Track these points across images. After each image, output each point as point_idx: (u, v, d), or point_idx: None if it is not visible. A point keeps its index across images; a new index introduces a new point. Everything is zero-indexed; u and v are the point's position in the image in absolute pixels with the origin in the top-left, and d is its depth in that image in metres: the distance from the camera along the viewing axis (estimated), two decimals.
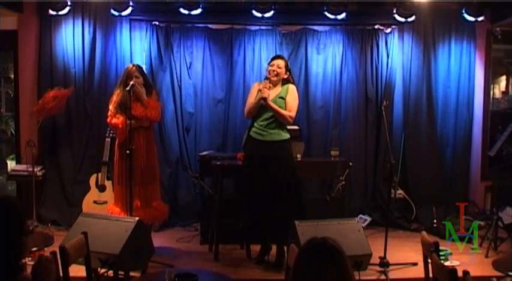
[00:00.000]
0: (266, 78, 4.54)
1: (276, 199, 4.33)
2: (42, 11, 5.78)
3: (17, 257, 2.06)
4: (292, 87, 4.50)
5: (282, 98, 4.42)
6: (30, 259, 3.84)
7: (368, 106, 6.08)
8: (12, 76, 6.21)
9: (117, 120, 4.51)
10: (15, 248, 2.04)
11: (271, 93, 4.42)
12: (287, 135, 4.48)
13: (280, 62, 4.51)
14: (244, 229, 4.58)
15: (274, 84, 4.48)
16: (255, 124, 4.47)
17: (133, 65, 4.67)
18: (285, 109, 4.40)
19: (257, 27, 6.05)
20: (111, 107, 4.58)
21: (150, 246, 4.66)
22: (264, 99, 4.34)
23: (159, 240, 5.00)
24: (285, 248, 4.49)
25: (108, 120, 4.61)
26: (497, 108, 6.59)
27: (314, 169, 5.37)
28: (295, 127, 5.46)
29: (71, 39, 5.81)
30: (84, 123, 5.86)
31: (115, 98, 4.57)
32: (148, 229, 4.66)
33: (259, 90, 4.40)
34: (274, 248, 4.61)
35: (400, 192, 5.91)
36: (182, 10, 5.46)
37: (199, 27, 6.01)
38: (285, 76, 4.51)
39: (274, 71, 4.47)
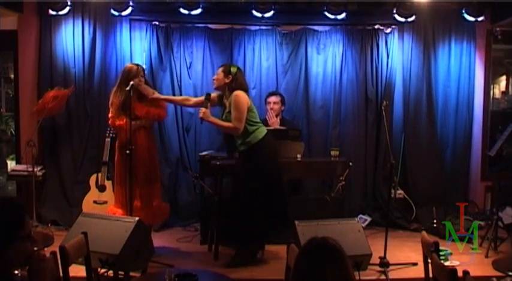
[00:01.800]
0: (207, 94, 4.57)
1: (238, 206, 4.47)
2: (42, 11, 5.78)
3: (8, 263, 2.01)
4: (233, 96, 4.38)
5: (229, 112, 4.41)
6: None
7: (368, 106, 6.08)
8: (12, 76, 6.21)
9: (121, 121, 4.48)
10: (9, 253, 1.99)
11: (226, 107, 4.47)
12: (249, 144, 4.41)
13: (217, 70, 4.58)
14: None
15: (223, 93, 4.53)
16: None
17: (138, 66, 4.68)
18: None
19: (257, 27, 6.05)
20: (111, 108, 4.56)
21: (150, 246, 4.68)
22: (201, 120, 4.42)
23: (159, 240, 5.00)
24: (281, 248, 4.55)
25: (110, 122, 4.59)
26: (497, 108, 6.59)
27: (314, 169, 5.37)
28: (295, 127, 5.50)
29: (71, 39, 5.81)
30: (84, 123, 5.86)
31: (115, 99, 4.55)
32: (148, 229, 4.66)
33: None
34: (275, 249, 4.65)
35: (400, 192, 5.91)
36: (182, 10, 5.47)
37: (199, 27, 6.01)
38: (226, 80, 4.45)
39: (213, 80, 4.60)
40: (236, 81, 4.45)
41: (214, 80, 4.57)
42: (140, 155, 4.51)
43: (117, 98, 4.54)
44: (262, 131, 4.46)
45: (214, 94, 4.64)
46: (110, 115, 4.59)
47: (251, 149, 4.42)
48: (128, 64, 4.88)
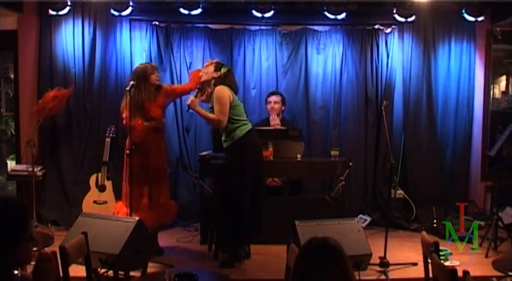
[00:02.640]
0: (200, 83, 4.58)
1: (219, 203, 4.49)
2: (42, 11, 5.78)
3: (10, 264, 2.01)
4: (215, 90, 4.41)
5: (211, 107, 4.44)
6: None
7: (368, 106, 6.08)
8: (12, 76, 6.21)
9: (135, 122, 4.45)
10: (11, 254, 1.99)
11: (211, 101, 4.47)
12: (232, 141, 4.41)
13: (206, 63, 4.61)
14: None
15: (212, 86, 4.50)
16: None
17: (149, 63, 4.76)
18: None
19: (257, 27, 6.05)
20: (126, 109, 4.47)
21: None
22: (188, 107, 4.43)
23: (159, 240, 4.99)
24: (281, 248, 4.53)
25: (125, 122, 4.56)
26: (497, 108, 6.59)
27: (314, 169, 5.37)
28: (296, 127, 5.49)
29: (71, 39, 5.81)
30: (84, 123, 5.86)
31: (132, 99, 4.45)
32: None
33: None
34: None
35: (400, 192, 5.91)
36: (182, 10, 5.47)
37: (199, 27, 6.01)
38: (215, 75, 4.47)
39: (201, 72, 4.61)
40: (225, 78, 4.47)
41: (202, 72, 4.56)
42: (150, 155, 4.55)
43: (134, 99, 4.48)
44: (245, 128, 4.43)
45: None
46: (123, 115, 4.56)
47: (233, 146, 4.42)
48: (140, 64, 4.85)
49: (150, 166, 4.56)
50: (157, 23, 5.91)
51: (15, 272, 2.11)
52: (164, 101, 4.75)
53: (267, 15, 5.57)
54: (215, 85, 4.46)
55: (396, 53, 6.06)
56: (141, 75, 4.56)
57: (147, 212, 4.43)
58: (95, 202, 5.37)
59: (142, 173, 4.49)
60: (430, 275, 2.87)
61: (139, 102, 4.49)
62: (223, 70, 4.50)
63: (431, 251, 2.81)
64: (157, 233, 4.95)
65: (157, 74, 4.70)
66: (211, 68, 4.51)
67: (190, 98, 4.45)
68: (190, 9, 5.46)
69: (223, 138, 4.49)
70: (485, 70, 6.26)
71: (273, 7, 5.53)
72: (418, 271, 3.68)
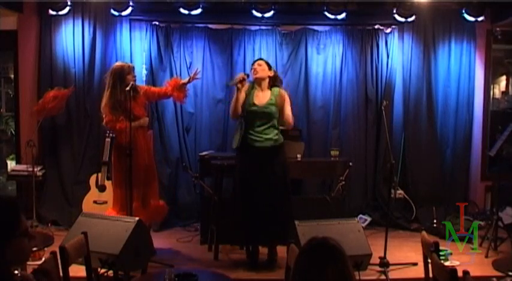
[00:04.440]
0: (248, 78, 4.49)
1: (273, 202, 4.33)
2: (42, 11, 5.79)
3: (6, 262, 2.00)
4: (283, 93, 4.47)
5: (272, 104, 4.38)
6: (30, 259, 3.84)
7: (368, 106, 6.09)
8: (12, 76, 6.21)
9: (122, 124, 4.39)
10: (4, 251, 1.98)
11: (262, 98, 4.39)
12: (282, 139, 4.47)
13: (259, 61, 4.50)
14: (245, 232, 4.54)
15: (259, 84, 4.43)
16: (250, 131, 4.37)
17: (127, 63, 4.68)
18: (279, 115, 4.40)
19: (257, 27, 6.05)
20: (106, 111, 4.43)
21: (151, 246, 4.67)
22: (238, 88, 4.34)
23: (159, 240, 5.00)
24: (281, 248, 4.50)
25: (110, 125, 4.51)
26: (497, 108, 6.59)
27: (314, 169, 5.37)
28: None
29: (71, 39, 5.81)
30: (84, 123, 5.86)
31: (110, 101, 4.43)
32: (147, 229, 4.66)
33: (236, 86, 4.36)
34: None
35: (400, 192, 5.91)
36: (182, 10, 5.47)
37: (199, 27, 6.02)
38: (270, 74, 4.45)
39: (255, 69, 4.45)
40: (276, 78, 4.53)
41: (255, 69, 4.44)
42: (140, 155, 4.51)
43: (112, 99, 4.43)
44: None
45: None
46: (106, 119, 4.47)
47: (279, 148, 4.41)
48: (117, 63, 4.74)
49: (140, 166, 4.48)
50: (157, 23, 5.92)
51: (15, 272, 2.10)
52: (145, 101, 4.69)
53: (267, 15, 5.57)
54: (270, 83, 4.46)
55: (396, 53, 6.07)
56: (118, 75, 4.46)
57: (137, 213, 4.28)
58: (95, 202, 5.37)
59: (133, 175, 4.34)
60: (430, 275, 2.87)
61: (116, 102, 4.41)
62: (273, 69, 4.54)
63: (431, 251, 2.81)
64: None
65: (134, 75, 4.56)
66: (266, 66, 4.47)
67: (239, 77, 4.36)
68: (190, 9, 5.47)
69: (269, 136, 4.37)
70: (485, 70, 6.26)
71: (273, 7, 5.53)
72: (418, 271, 3.68)
